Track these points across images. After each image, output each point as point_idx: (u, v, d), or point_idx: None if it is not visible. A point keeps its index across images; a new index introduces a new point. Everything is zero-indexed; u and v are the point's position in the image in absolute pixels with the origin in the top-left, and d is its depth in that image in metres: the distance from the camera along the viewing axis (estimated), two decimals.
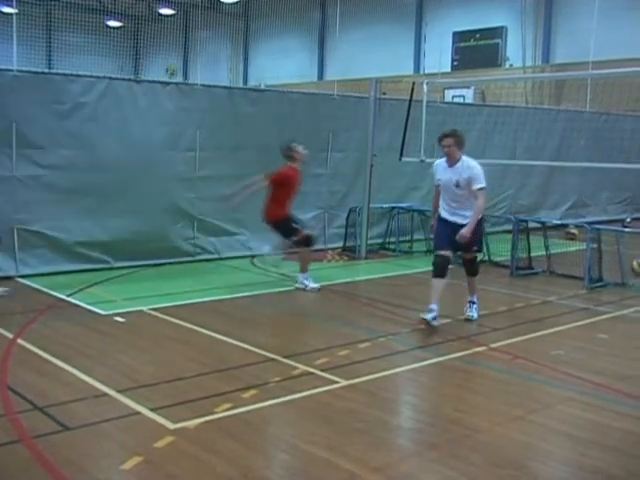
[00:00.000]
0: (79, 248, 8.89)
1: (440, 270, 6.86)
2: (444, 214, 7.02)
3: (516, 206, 13.97)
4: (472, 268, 7.31)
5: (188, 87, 9.84)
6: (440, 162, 7.05)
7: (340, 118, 11.16)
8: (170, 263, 9.55)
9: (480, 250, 7.39)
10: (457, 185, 6.77)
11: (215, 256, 10.10)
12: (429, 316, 6.70)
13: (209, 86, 10.01)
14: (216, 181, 9.80)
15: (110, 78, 9.09)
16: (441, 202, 7.07)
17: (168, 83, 9.82)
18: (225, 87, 10.59)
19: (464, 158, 6.85)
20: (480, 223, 6.95)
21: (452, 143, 6.79)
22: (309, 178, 10.68)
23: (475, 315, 7.22)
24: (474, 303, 7.28)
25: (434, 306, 6.76)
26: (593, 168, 14.37)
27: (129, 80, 9.37)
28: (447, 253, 6.90)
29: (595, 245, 8.96)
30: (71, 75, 8.83)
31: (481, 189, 6.72)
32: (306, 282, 8.41)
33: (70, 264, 8.81)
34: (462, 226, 6.75)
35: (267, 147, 9.65)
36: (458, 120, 12.04)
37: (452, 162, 6.84)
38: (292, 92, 11.35)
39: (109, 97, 8.95)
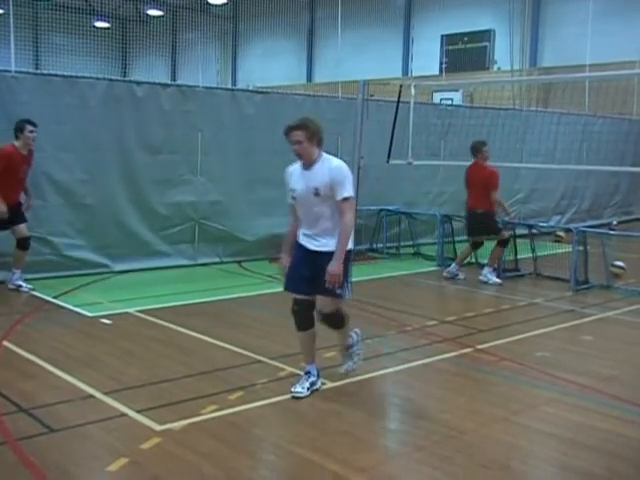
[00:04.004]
0: (78, 253, 8.84)
1: (302, 321, 5.00)
2: (302, 239, 4.98)
3: (525, 210, 13.91)
4: (332, 320, 5.08)
5: (190, 89, 9.68)
6: (294, 167, 5.01)
7: (346, 122, 10.69)
8: (169, 267, 9.52)
9: (342, 295, 4.95)
10: (316, 194, 4.79)
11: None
12: (303, 385, 4.97)
13: (209, 88, 9.95)
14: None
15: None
16: (301, 222, 5.02)
17: (168, 85, 9.72)
18: (228, 89, 10.60)
19: (325, 156, 4.90)
20: (347, 256, 4.86)
21: (303, 137, 4.78)
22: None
23: (353, 366, 5.35)
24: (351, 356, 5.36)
25: (310, 367, 5.08)
26: (596, 172, 14.46)
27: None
28: (306, 297, 4.93)
29: (581, 248, 9.03)
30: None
31: (347, 199, 4.78)
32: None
33: (70, 269, 8.72)
34: (326, 256, 4.79)
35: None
36: (465, 122, 12.18)
37: (308, 164, 4.87)
38: (297, 94, 11.27)
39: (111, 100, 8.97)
